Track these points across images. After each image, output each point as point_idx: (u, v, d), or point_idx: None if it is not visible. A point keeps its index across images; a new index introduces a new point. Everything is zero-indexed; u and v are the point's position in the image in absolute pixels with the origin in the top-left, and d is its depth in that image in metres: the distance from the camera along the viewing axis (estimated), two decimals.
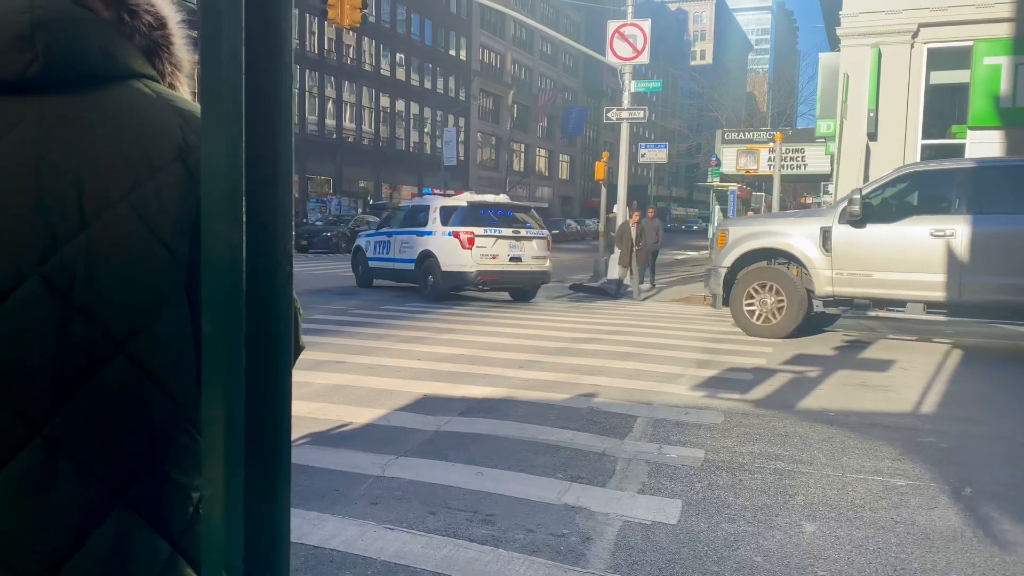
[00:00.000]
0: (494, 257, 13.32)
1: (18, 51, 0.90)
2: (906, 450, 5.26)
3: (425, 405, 6.16)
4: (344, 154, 46.47)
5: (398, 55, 52.73)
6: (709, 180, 30.51)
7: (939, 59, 14.80)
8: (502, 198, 14.18)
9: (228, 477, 0.67)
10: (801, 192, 57.05)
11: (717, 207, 30.38)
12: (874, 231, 8.96)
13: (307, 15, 43.34)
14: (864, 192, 9.12)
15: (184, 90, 1.06)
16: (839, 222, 9.13)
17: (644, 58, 18.41)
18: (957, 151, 14.21)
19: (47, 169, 0.90)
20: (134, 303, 0.91)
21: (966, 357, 8.98)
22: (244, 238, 0.68)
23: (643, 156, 23.12)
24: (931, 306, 8.84)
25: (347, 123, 48.04)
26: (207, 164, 0.69)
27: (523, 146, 69.33)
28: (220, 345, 0.68)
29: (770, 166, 23.15)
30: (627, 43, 18.45)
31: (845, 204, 9.06)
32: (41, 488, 0.88)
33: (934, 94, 15.05)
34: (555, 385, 7.02)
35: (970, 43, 14.23)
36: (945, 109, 15.44)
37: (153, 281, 0.92)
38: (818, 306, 9.41)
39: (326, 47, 46.00)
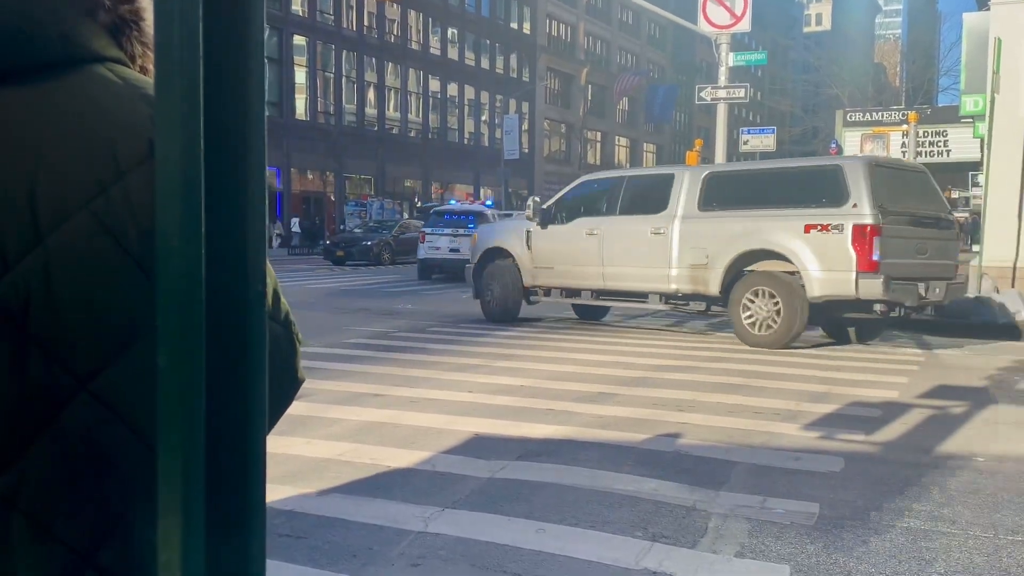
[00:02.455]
0: (437, 249, 22.77)
1: None
2: None
3: (477, 447, 6.18)
4: (387, 149, 47.26)
5: (450, 30, 53.48)
6: None
7: None
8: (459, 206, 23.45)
9: (185, 549, 0.67)
10: (945, 184, 55.50)
11: None
12: (555, 231, 12.83)
13: None
14: (556, 198, 13.23)
15: None
16: (535, 224, 13.00)
17: (744, 25, 18.23)
18: None
19: None
20: (101, 331, 0.90)
21: None
22: (203, 253, 0.68)
23: (745, 144, 22.88)
24: (595, 293, 12.82)
25: (390, 112, 48.89)
26: (159, 167, 0.69)
27: (599, 134, 69.35)
28: (175, 383, 0.68)
29: (903, 153, 22.56)
30: (723, 7, 18.30)
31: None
32: None
33: None
34: (634, 423, 6.95)
35: None
36: None
37: (123, 304, 0.90)
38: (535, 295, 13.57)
39: (366, 23, 46.95)
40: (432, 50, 51.87)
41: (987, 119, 14.71)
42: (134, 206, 0.92)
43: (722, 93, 18.65)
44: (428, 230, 23.21)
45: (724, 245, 11.14)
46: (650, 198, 11.99)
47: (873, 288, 10.12)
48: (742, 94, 18.69)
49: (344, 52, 45.16)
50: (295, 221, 40.45)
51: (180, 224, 0.68)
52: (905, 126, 22.39)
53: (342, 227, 38.83)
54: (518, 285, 13.41)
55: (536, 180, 59.45)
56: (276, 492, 5.01)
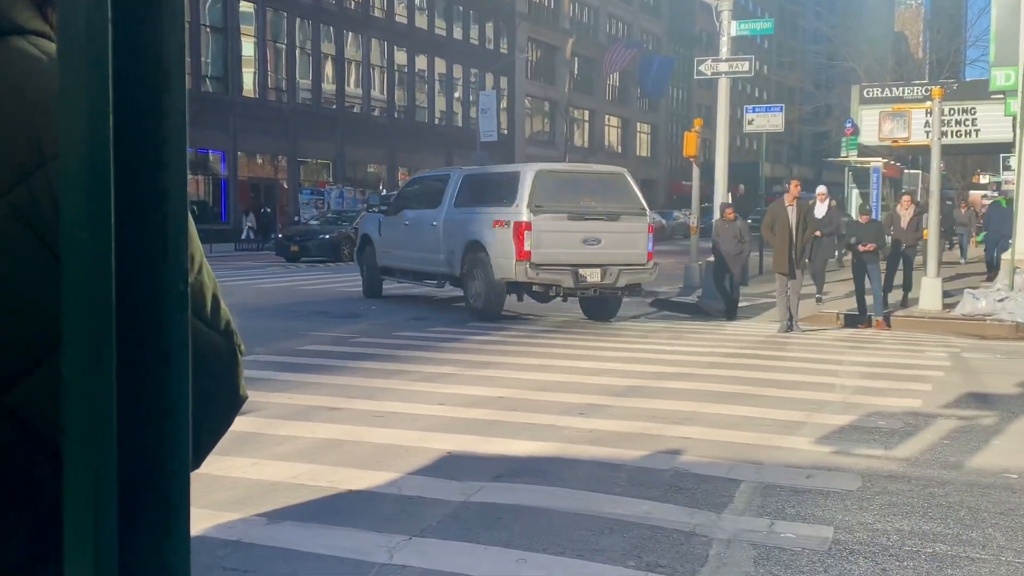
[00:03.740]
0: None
1: None
2: None
3: (449, 466, 6.17)
4: (348, 130, 47.16)
5: None
6: (843, 154, 30.11)
7: None
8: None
9: None
10: (972, 168, 55.90)
11: (855, 190, 29.97)
12: (392, 220, 17.00)
13: None
14: (398, 191, 18.29)
15: None
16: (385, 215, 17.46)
17: None
18: None
19: None
20: (18, 338, 0.89)
21: None
22: (113, 248, 0.67)
23: (750, 123, 22.97)
24: (404, 272, 16.99)
25: (351, 89, 48.77)
26: (63, 151, 0.68)
27: (587, 113, 69.52)
28: (81, 398, 0.67)
29: (927, 133, 22.73)
30: None
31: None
32: None
33: None
34: (627, 438, 6.97)
35: None
36: None
37: (44, 307, 0.88)
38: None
39: None
40: (398, 18, 51.80)
41: (1020, 94, 14.85)
42: (59, 197, 0.91)
43: (724, 67, 18.72)
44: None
45: (461, 236, 14.98)
46: (435, 195, 15.99)
47: (527, 273, 13.88)
48: (746, 68, 18.76)
49: (298, 20, 45.02)
50: (252, 216, 40.27)
51: (87, 215, 0.67)
52: (928, 103, 22.56)
53: (296, 218, 38.67)
54: (375, 267, 17.73)
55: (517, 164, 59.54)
56: (220, 519, 4.99)
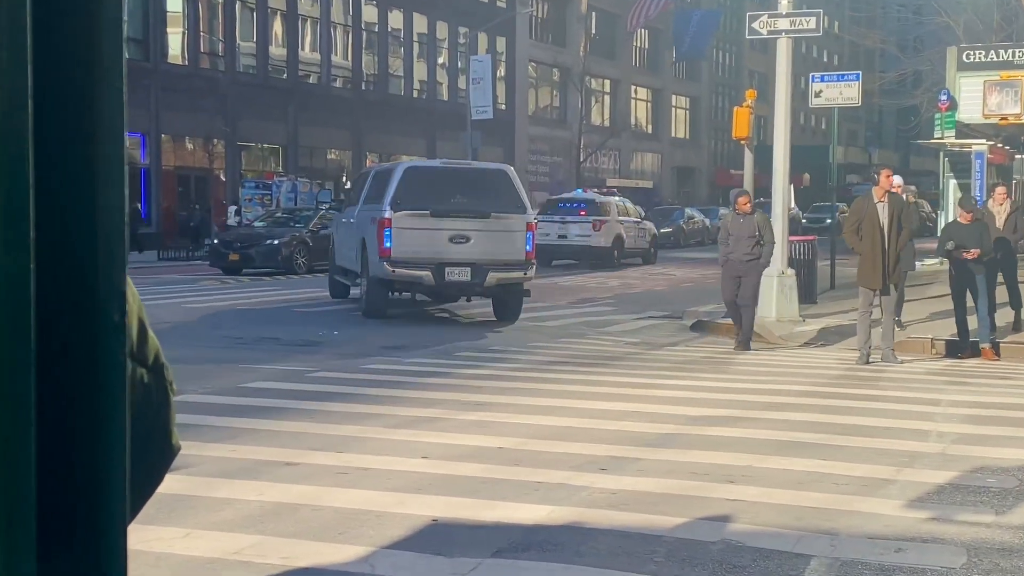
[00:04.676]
0: (546, 236, 31.70)
1: None
2: None
3: (435, 538, 6.16)
4: (302, 106, 47.28)
5: None
6: (937, 135, 30.17)
7: None
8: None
9: None
10: None
11: (952, 181, 30.02)
12: (338, 217, 22.16)
13: None
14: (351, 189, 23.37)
15: None
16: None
17: None
18: None
19: None
20: None
21: None
22: (33, 266, 0.68)
23: (818, 95, 23.00)
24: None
25: (306, 53, 48.94)
26: None
27: (607, 83, 69.69)
28: None
29: None
30: None
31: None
32: None
33: None
34: (663, 501, 6.96)
35: None
36: None
37: None
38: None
39: None
40: None
41: None
42: None
43: (784, 23, 18.78)
44: (540, 218, 30.47)
45: (358, 235, 18.46)
46: (363, 192, 19.48)
47: (385, 270, 17.09)
48: (812, 25, 18.82)
49: None
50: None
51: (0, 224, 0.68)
52: None
53: (238, 219, 38.71)
54: (335, 266, 21.54)
55: (518, 148, 59.51)
56: None
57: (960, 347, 14.68)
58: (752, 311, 15.35)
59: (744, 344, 14.95)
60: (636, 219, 37.34)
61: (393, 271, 17.04)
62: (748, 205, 15.23)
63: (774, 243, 15.75)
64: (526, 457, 8.16)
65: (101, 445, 0.75)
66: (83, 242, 0.73)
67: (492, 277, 17.05)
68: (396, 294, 18.48)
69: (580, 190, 42.88)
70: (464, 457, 8.14)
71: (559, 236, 33.50)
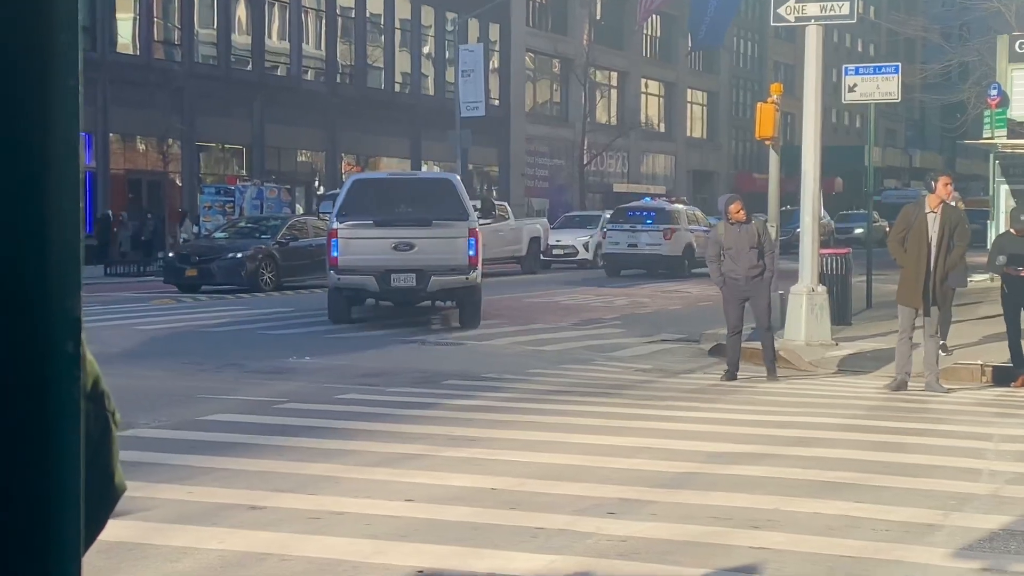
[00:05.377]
0: (616, 244, 38.92)
1: None
2: None
3: None
4: (269, 102, 47.33)
5: None
6: (987, 134, 30.21)
7: None
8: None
9: None
10: None
11: (1004, 186, 30.03)
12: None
13: None
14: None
15: None
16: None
17: None
18: None
19: None
20: None
21: None
22: None
23: (852, 89, 23.06)
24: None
25: (274, 43, 49.02)
26: None
27: (614, 76, 69.88)
28: None
29: None
30: None
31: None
32: None
33: None
34: (680, 549, 6.94)
35: None
36: None
37: None
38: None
39: None
40: None
41: None
42: None
43: (814, 8, 18.83)
44: (609, 226, 38.71)
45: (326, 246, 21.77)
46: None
47: (333, 278, 20.54)
48: (845, 11, 18.87)
49: None
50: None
51: None
52: None
53: (195, 230, 38.69)
54: None
55: (513, 149, 59.66)
56: None
57: (1013, 374, 14.68)
58: (771, 335, 15.20)
59: (771, 372, 14.84)
60: (706, 228, 38.43)
61: (339, 278, 20.44)
62: (743, 212, 14.97)
63: (776, 252, 15.68)
64: (523, 499, 8.13)
65: (53, 488, 0.74)
66: (32, 261, 0.72)
67: (435, 282, 20.15)
68: (375, 302, 22.02)
69: (648, 198, 47.32)
70: (453, 499, 8.11)
71: (629, 245, 37.20)
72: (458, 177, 22.95)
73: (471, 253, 20.35)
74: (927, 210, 13.42)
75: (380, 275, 20.02)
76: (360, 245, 20.21)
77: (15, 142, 0.69)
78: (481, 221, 24.26)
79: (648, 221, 37.74)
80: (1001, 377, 14.82)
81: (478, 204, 37.43)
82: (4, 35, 0.67)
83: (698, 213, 41.16)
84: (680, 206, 41.30)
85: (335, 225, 20.42)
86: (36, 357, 0.71)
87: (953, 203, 16.22)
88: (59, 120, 0.70)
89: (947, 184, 13.53)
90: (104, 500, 1.11)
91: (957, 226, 13.58)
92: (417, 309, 23.12)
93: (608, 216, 41.88)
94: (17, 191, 0.70)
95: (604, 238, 39.16)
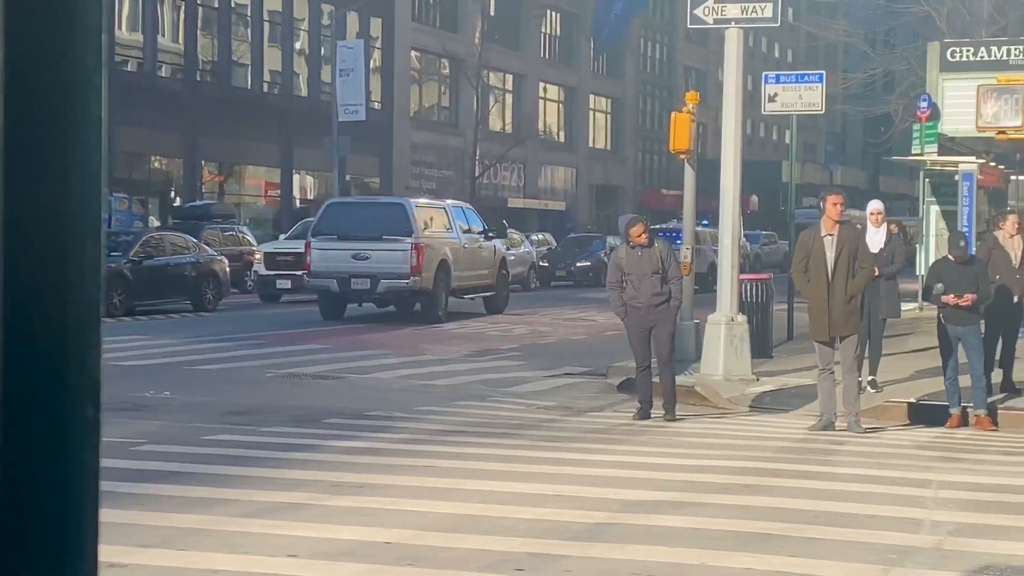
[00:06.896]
0: None
1: None
2: None
3: None
4: (118, 102, 46.81)
5: None
6: (916, 150, 30.75)
7: None
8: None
9: None
10: None
11: (934, 207, 30.61)
12: None
13: None
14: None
15: None
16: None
17: None
18: None
19: None
20: None
21: None
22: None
23: (772, 99, 23.44)
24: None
25: (123, 34, 48.64)
26: None
27: (509, 78, 70.33)
28: None
29: None
30: None
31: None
32: None
33: None
34: None
35: None
36: None
37: None
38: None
39: None
40: None
41: None
42: None
43: (734, 11, 19.07)
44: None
45: None
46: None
47: (308, 282, 30.10)
48: (768, 13, 19.12)
49: None
50: None
51: None
52: None
53: None
54: None
55: (396, 158, 59.61)
56: None
57: (946, 414, 14.80)
58: (672, 368, 15.28)
59: (668, 411, 14.76)
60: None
61: (311, 282, 29.77)
62: (645, 235, 15.02)
63: (682, 277, 15.78)
64: (422, 554, 8.14)
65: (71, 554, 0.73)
66: (50, 260, 0.70)
67: (383, 285, 28.28)
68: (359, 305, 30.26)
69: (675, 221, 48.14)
70: (342, 555, 8.08)
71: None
72: (411, 201, 31.84)
73: (413, 263, 27.99)
74: (823, 234, 13.56)
75: (342, 279, 28.33)
76: (328, 255, 28.75)
77: (54, 128, 0.69)
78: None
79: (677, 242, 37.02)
80: (936, 416, 15.02)
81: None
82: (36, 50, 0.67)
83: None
84: (705, 229, 40.23)
85: (310, 239, 29.59)
86: (55, 422, 0.71)
87: (888, 225, 16.46)
88: (83, 174, 0.70)
89: (836, 204, 13.71)
90: None
91: (857, 246, 13.80)
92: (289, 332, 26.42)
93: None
94: (39, 175, 0.69)
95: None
